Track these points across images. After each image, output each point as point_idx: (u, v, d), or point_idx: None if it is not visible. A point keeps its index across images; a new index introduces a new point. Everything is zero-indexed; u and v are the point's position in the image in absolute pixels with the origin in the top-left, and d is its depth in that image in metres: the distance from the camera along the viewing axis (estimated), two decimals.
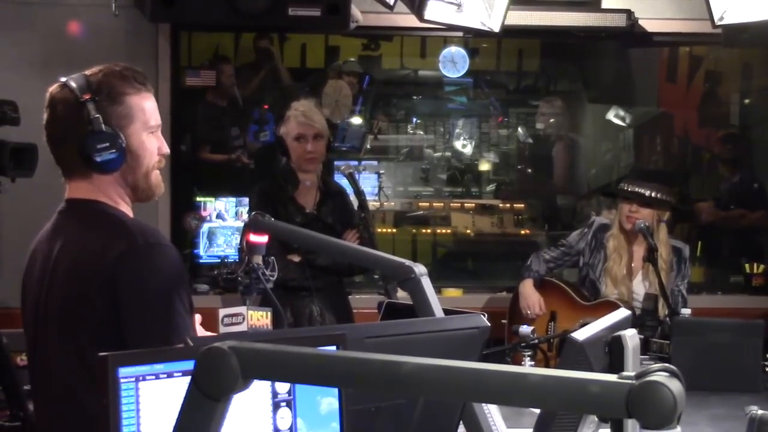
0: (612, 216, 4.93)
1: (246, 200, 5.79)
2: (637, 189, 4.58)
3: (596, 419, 2.08)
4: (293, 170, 4.60)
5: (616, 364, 1.96)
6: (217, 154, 7.18)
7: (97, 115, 2.37)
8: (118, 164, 2.40)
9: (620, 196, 4.68)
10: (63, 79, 2.44)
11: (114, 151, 2.38)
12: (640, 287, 4.66)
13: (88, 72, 2.45)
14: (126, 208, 2.49)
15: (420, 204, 7.94)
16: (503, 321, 4.96)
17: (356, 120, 7.96)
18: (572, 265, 4.94)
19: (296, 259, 4.50)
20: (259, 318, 2.75)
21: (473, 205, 7.82)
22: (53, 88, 2.46)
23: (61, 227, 2.47)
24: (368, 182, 7.55)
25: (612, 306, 4.44)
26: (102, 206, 2.44)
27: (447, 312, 2.54)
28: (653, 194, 4.58)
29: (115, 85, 2.42)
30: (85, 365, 2.33)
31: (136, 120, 2.43)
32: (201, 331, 2.72)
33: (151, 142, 2.47)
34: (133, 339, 2.26)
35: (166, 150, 2.52)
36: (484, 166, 8.60)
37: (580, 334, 1.95)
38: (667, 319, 4.26)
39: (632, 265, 4.69)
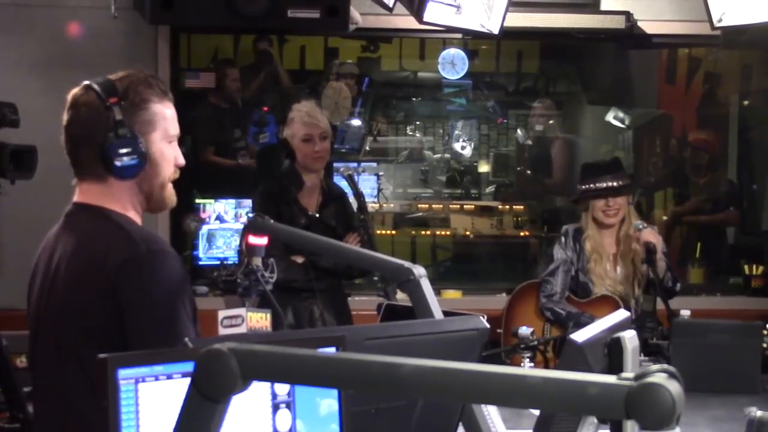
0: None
1: (246, 202, 5.79)
2: (603, 184, 4.68)
3: (595, 420, 2.09)
4: (297, 172, 4.61)
5: (615, 366, 1.96)
6: (221, 158, 7.14)
7: (122, 119, 2.35)
8: (137, 170, 2.38)
9: (591, 195, 4.74)
10: (86, 82, 2.42)
11: (135, 157, 2.36)
12: (623, 273, 4.74)
13: (112, 76, 2.43)
14: (135, 216, 2.46)
15: (419, 206, 7.94)
16: (499, 331, 4.96)
17: (355, 122, 7.97)
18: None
19: (299, 260, 4.50)
20: (259, 319, 2.75)
21: (472, 206, 7.82)
22: (77, 90, 2.44)
23: (66, 231, 2.45)
24: (367, 184, 7.55)
25: (606, 299, 4.60)
26: (108, 213, 2.41)
27: (446, 314, 2.54)
28: (620, 183, 4.71)
29: (141, 91, 2.39)
30: (84, 371, 2.32)
31: (158, 127, 2.41)
32: None
33: (169, 152, 2.45)
34: (136, 346, 2.25)
35: (181, 161, 2.49)
36: (484, 168, 8.62)
37: (580, 336, 1.96)
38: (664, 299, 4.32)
39: (610, 258, 4.77)
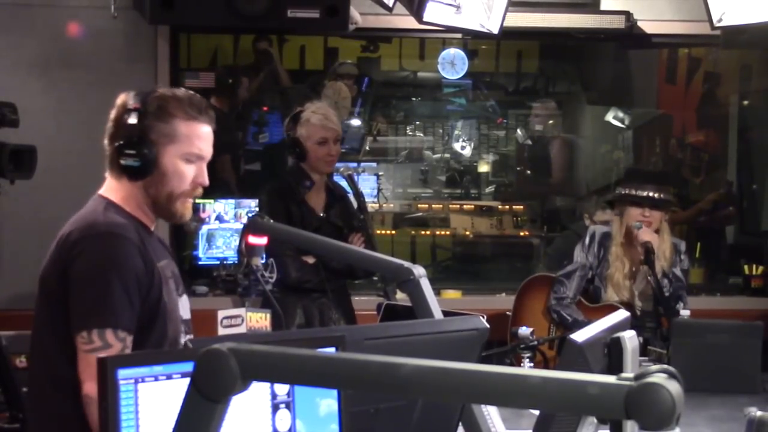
0: (607, 216, 4.88)
1: (245, 202, 5.79)
2: (645, 193, 4.54)
3: (595, 420, 2.09)
4: (305, 171, 4.60)
5: (615, 366, 1.96)
6: (232, 170, 7.09)
7: (134, 123, 2.48)
8: (139, 174, 2.51)
9: (628, 201, 4.62)
10: (135, 90, 2.58)
11: (138, 160, 2.49)
12: (639, 288, 4.65)
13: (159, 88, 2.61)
14: (143, 216, 2.57)
15: (419, 206, 7.94)
16: (508, 313, 4.94)
17: (355, 122, 7.97)
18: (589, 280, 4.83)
19: (310, 260, 4.50)
20: (258, 320, 2.75)
21: (472, 206, 7.82)
22: (123, 93, 2.59)
23: None
24: (367, 184, 7.55)
25: (616, 310, 4.41)
26: (108, 203, 2.54)
27: (446, 313, 2.54)
28: (662, 196, 4.54)
29: (167, 105, 2.52)
30: (43, 343, 2.48)
31: (176, 143, 2.52)
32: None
33: (187, 169, 2.55)
34: (72, 315, 2.39)
35: (203, 182, 2.59)
36: (483, 168, 8.61)
37: (580, 336, 1.96)
38: (664, 314, 4.26)
39: (633, 269, 4.66)
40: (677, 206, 4.84)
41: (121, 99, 2.57)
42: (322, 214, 4.64)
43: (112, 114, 2.58)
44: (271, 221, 2.92)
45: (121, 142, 2.49)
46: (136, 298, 2.43)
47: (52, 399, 2.45)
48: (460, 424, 2.36)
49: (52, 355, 2.45)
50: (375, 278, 5.54)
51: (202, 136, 2.56)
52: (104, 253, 2.42)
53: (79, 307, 2.39)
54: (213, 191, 6.48)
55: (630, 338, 1.99)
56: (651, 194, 4.53)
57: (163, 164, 2.52)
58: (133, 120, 2.49)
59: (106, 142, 2.58)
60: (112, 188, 2.58)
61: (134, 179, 2.52)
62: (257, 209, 4.88)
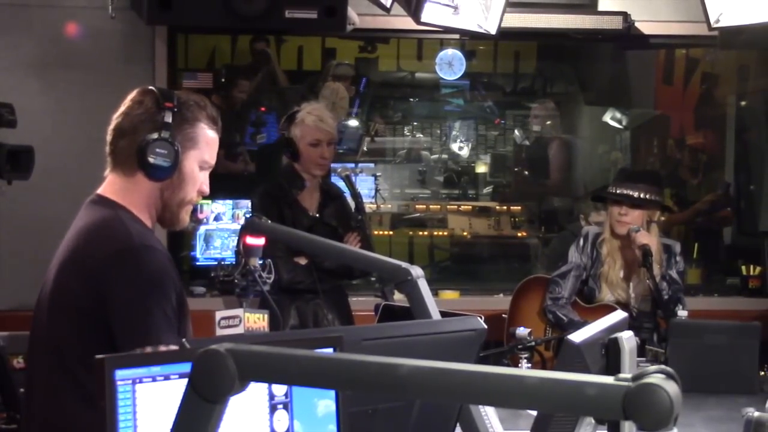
0: (602, 218, 4.89)
1: (243, 202, 5.78)
2: (625, 191, 4.54)
3: (593, 421, 2.09)
4: (297, 172, 4.59)
5: (612, 366, 1.96)
6: (231, 162, 7.12)
7: (170, 122, 2.45)
8: (165, 174, 2.46)
9: (609, 198, 4.64)
10: (151, 87, 2.54)
11: (169, 161, 2.45)
12: (638, 290, 4.64)
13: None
14: (147, 220, 2.52)
15: (417, 206, 7.94)
16: (504, 315, 4.94)
17: (353, 122, 7.96)
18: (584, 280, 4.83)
19: (303, 261, 4.50)
20: (256, 320, 2.75)
21: (470, 207, 7.82)
22: (139, 89, 2.54)
23: (77, 221, 2.51)
24: (365, 184, 7.54)
25: (611, 310, 4.41)
26: (118, 208, 2.47)
27: (444, 314, 2.54)
28: (642, 195, 4.53)
29: (194, 109, 2.51)
30: (61, 355, 2.39)
31: (198, 148, 2.51)
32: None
33: (199, 176, 2.54)
34: (118, 334, 2.32)
35: (206, 190, 2.58)
36: (481, 169, 8.61)
37: (577, 336, 1.96)
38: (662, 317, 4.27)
39: (628, 269, 4.65)
40: (664, 206, 4.83)
41: (142, 94, 2.51)
42: (316, 215, 4.64)
43: (126, 107, 2.50)
44: (269, 221, 2.92)
45: (153, 139, 2.42)
46: (174, 316, 2.39)
47: (73, 409, 2.36)
48: (458, 424, 2.36)
49: (75, 366, 2.35)
50: (373, 279, 5.54)
51: (215, 145, 2.56)
52: (144, 276, 2.36)
53: (125, 338, 2.31)
54: (214, 190, 6.50)
55: (628, 339, 1.99)
56: (629, 192, 4.53)
57: (185, 169, 2.49)
58: (168, 119, 2.44)
59: (113, 136, 2.50)
60: (118, 188, 2.50)
61: (156, 179, 2.46)
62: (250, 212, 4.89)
